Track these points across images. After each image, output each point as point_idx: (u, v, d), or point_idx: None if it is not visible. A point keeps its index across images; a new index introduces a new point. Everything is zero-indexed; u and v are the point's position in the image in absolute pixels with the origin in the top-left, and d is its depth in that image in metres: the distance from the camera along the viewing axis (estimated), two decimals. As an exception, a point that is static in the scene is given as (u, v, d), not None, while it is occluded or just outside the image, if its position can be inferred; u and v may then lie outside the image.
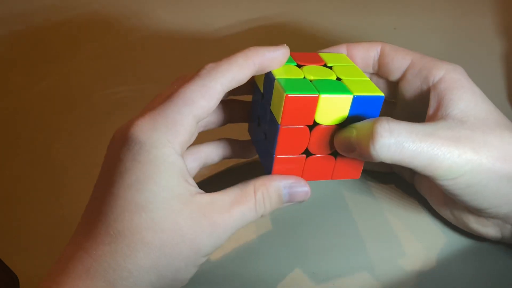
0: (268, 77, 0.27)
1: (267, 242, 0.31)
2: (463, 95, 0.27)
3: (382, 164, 0.28)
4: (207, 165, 0.32)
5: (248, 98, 0.31)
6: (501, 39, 0.45)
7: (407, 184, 0.33)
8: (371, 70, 0.31)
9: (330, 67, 0.28)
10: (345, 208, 0.32)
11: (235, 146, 0.32)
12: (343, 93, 0.25)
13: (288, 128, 0.26)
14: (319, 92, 0.25)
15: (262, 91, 0.28)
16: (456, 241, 0.30)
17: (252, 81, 0.29)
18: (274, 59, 0.26)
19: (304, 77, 0.27)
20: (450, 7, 0.50)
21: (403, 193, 0.33)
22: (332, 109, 0.26)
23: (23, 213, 0.34)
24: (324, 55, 0.30)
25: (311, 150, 0.28)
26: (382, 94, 0.26)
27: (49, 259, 0.31)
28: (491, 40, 0.45)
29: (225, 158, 0.32)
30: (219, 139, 0.32)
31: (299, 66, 0.28)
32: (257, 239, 0.31)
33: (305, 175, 0.29)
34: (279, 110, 0.25)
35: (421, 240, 0.30)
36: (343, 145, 0.26)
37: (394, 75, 0.30)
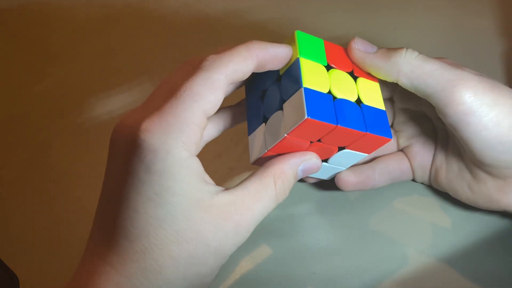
0: (293, 78, 0.25)
1: (267, 242, 0.31)
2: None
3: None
4: (208, 142, 0.30)
5: (234, 99, 0.30)
6: (501, 39, 0.45)
7: (408, 183, 0.33)
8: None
9: (355, 78, 0.27)
10: (345, 208, 0.32)
11: (229, 114, 0.30)
12: (358, 128, 0.25)
13: (292, 138, 0.25)
14: (337, 122, 0.24)
15: (280, 79, 0.27)
16: (456, 240, 0.30)
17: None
18: (276, 56, 0.25)
19: (329, 91, 0.26)
20: (450, 7, 0.50)
21: (403, 193, 0.33)
22: (342, 137, 0.26)
23: (23, 213, 0.34)
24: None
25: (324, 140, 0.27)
26: (390, 138, 0.26)
27: (49, 259, 0.31)
28: (491, 40, 0.45)
29: (224, 130, 0.31)
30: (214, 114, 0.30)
31: (328, 67, 0.27)
32: (257, 239, 0.31)
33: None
34: (292, 124, 0.24)
35: (421, 240, 0.30)
36: (361, 45, 0.27)
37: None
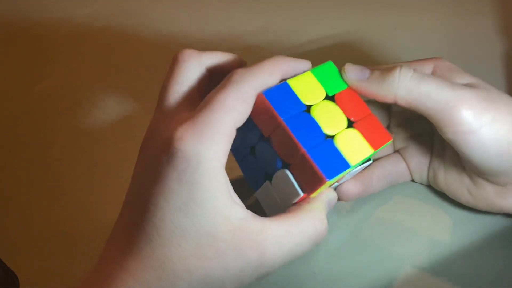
0: (283, 134, 0.24)
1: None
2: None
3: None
4: None
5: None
6: (501, 39, 0.45)
7: (408, 183, 0.33)
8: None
9: (332, 97, 0.26)
10: (345, 208, 0.32)
11: None
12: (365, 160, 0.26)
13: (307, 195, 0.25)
14: (349, 162, 0.25)
15: (261, 130, 0.26)
16: (456, 240, 0.30)
17: None
18: (297, 71, 0.26)
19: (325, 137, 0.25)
20: (450, 7, 0.50)
21: (403, 193, 0.33)
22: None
23: (23, 213, 0.34)
24: (316, 73, 0.27)
25: None
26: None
27: (49, 259, 0.31)
28: (491, 40, 0.45)
29: None
30: None
31: (307, 107, 0.25)
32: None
33: None
34: (311, 187, 0.24)
35: (421, 239, 0.30)
36: (353, 75, 0.27)
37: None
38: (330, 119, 0.26)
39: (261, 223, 0.23)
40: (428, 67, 0.28)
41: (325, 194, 0.26)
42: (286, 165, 0.25)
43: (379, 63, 0.35)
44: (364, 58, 0.43)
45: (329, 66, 0.27)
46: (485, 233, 0.30)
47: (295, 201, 0.25)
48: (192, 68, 0.26)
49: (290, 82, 0.25)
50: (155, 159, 0.23)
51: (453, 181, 0.30)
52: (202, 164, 0.22)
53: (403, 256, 0.30)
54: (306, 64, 0.27)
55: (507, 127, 0.25)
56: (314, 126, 0.25)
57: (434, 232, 0.31)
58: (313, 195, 0.25)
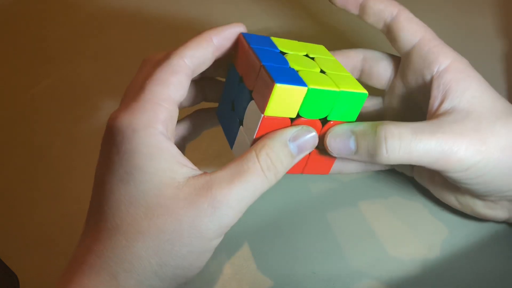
0: (252, 61, 0.25)
1: (267, 242, 0.31)
2: (470, 85, 0.26)
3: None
4: (191, 142, 0.31)
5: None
6: (501, 39, 0.45)
7: (406, 181, 0.33)
8: (381, 27, 0.30)
9: (312, 58, 0.27)
10: (345, 208, 0.32)
11: (211, 115, 0.31)
12: (330, 88, 0.24)
13: (271, 117, 0.24)
14: (307, 84, 0.24)
15: (240, 74, 0.27)
16: (456, 238, 0.30)
17: (222, 63, 0.28)
18: (231, 34, 0.26)
19: (290, 67, 0.25)
20: (450, 7, 0.50)
21: (402, 191, 0.33)
22: (318, 102, 0.25)
23: (23, 213, 0.34)
24: (304, 45, 0.29)
25: None
26: (366, 92, 0.25)
27: (49, 259, 0.31)
28: (491, 40, 0.45)
29: (205, 130, 0.32)
30: (192, 113, 0.31)
31: (282, 53, 0.27)
32: (257, 239, 0.31)
33: None
34: (265, 99, 0.24)
35: (421, 238, 0.30)
36: (339, 151, 0.26)
37: (401, 48, 0.29)
38: (302, 65, 0.26)
39: (209, 175, 0.23)
40: (394, 10, 0.28)
41: (284, 131, 0.25)
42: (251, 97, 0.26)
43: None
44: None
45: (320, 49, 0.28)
46: (484, 234, 0.30)
47: (257, 128, 0.25)
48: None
49: (273, 38, 0.27)
50: (103, 145, 0.24)
51: (439, 186, 0.30)
52: (137, 132, 0.22)
53: (402, 256, 0.30)
54: (237, 26, 0.27)
55: (498, 164, 0.25)
56: (282, 59, 0.26)
57: (434, 232, 0.31)
58: (270, 112, 0.24)
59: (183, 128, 0.30)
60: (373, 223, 0.32)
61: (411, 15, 0.29)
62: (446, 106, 0.26)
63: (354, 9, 0.30)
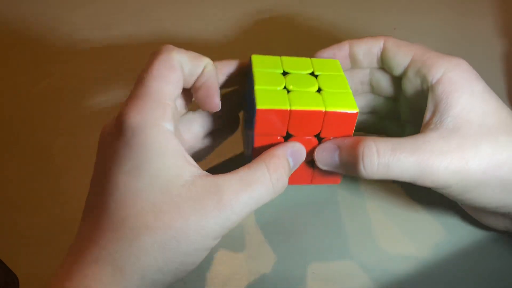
0: (251, 83, 0.27)
1: (267, 242, 0.31)
2: (460, 99, 0.26)
3: None
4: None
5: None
6: (501, 39, 0.45)
7: (408, 184, 0.33)
8: (376, 66, 0.31)
9: (316, 76, 0.28)
10: (345, 208, 0.32)
11: (215, 117, 0.31)
12: (315, 107, 0.26)
13: (262, 137, 0.26)
14: (290, 105, 0.25)
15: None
16: (456, 239, 0.30)
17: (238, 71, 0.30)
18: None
19: (284, 87, 0.27)
20: (450, 7, 0.50)
21: (402, 192, 0.33)
22: (304, 122, 0.26)
23: (23, 213, 0.34)
24: (316, 61, 0.30)
25: None
26: (356, 110, 0.26)
27: (49, 259, 0.31)
28: (491, 40, 0.45)
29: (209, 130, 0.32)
30: (194, 111, 0.31)
31: (285, 72, 0.28)
32: (257, 239, 0.31)
33: None
34: (255, 120, 0.26)
35: (421, 239, 0.30)
36: (325, 163, 0.27)
37: (397, 71, 0.30)
38: (298, 85, 0.27)
39: (215, 176, 0.24)
40: (379, 44, 0.30)
41: (285, 145, 0.26)
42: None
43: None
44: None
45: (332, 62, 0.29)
46: (484, 235, 0.30)
47: (253, 144, 0.27)
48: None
49: (284, 57, 0.29)
50: (108, 141, 0.25)
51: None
52: (147, 129, 0.23)
53: (402, 256, 0.30)
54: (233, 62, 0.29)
55: (482, 175, 0.25)
56: (278, 80, 0.28)
57: (433, 233, 0.31)
58: (259, 132, 0.26)
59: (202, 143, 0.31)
60: (373, 223, 0.32)
61: (397, 40, 0.30)
62: (436, 120, 0.26)
63: (344, 62, 0.31)
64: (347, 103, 0.26)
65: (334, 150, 0.26)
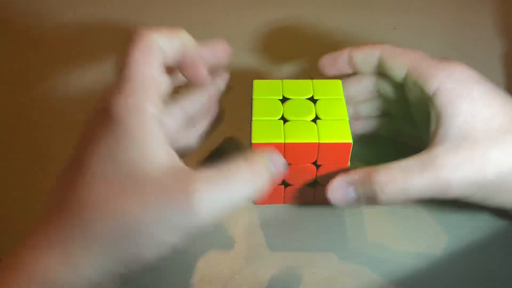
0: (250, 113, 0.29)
1: (267, 242, 0.31)
2: (461, 108, 0.26)
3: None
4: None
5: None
6: (501, 39, 0.45)
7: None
8: (378, 71, 0.31)
9: (315, 101, 0.29)
10: (345, 208, 0.32)
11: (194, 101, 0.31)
12: (309, 140, 0.27)
13: None
14: (284, 139, 0.27)
15: None
16: (456, 240, 0.30)
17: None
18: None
19: (282, 116, 0.28)
20: (450, 7, 0.50)
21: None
22: (299, 153, 0.27)
23: (23, 213, 0.34)
24: (317, 83, 0.30)
25: (289, 182, 0.30)
26: (350, 141, 0.27)
27: (49, 259, 0.31)
28: (491, 40, 0.45)
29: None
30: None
31: (284, 98, 0.29)
32: (256, 239, 0.31)
33: (286, 200, 0.31)
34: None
35: (421, 239, 0.30)
36: (340, 201, 0.27)
37: (397, 79, 0.30)
38: (296, 113, 0.29)
39: (194, 172, 0.22)
40: (376, 53, 0.30)
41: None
42: None
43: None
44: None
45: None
46: (483, 233, 0.30)
47: None
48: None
49: (285, 81, 0.30)
50: (92, 122, 0.25)
51: None
52: (130, 114, 0.23)
53: (402, 256, 0.30)
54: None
55: (498, 181, 0.25)
56: (276, 110, 0.29)
57: (434, 232, 0.31)
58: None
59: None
60: (373, 223, 0.32)
61: (393, 49, 0.30)
62: (441, 132, 0.26)
63: (346, 68, 0.31)
64: (342, 133, 0.27)
65: (347, 187, 0.26)
